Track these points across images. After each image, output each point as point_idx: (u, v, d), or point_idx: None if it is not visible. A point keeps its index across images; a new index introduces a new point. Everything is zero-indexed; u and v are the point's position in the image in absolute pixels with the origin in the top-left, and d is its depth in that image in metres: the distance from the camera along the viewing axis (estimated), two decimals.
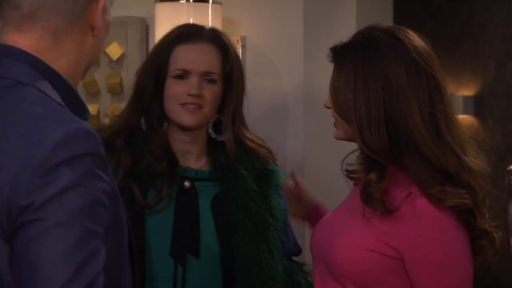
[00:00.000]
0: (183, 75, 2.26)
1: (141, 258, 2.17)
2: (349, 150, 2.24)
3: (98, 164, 1.41)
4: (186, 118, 2.26)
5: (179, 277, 2.21)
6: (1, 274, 1.40)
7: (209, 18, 3.23)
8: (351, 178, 2.07)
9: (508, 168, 5.37)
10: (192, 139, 2.32)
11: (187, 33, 2.30)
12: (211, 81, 2.28)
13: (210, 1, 3.23)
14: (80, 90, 3.67)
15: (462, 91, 5.71)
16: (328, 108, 2.07)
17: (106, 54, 3.62)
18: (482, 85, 5.70)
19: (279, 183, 2.36)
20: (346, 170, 2.05)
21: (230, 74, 2.30)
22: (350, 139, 2.07)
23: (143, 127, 2.29)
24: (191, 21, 3.18)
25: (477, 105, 5.72)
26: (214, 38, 2.30)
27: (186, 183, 2.27)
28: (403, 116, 1.93)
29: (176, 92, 2.26)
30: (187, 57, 2.27)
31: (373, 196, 1.95)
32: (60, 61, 1.51)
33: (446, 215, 1.98)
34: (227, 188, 2.28)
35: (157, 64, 2.28)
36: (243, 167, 2.30)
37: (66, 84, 1.51)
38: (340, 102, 1.98)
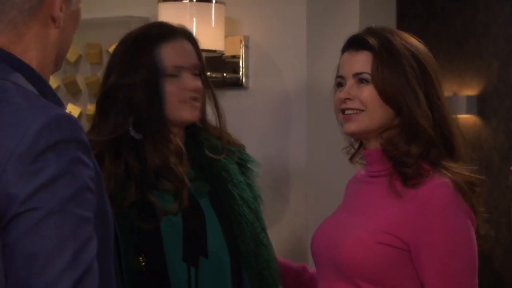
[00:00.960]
0: (177, 72, 2.26)
1: (163, 265, 2.20)
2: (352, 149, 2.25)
3: (82, 150, 1.42)
4: (189, 114, 2.27)
5: (192, 278, 2.23)
6: None
7: (212, 17, 3.23)
8: (390, 154, 2.10)
9: (511, 168, 5.37)
10: (181, 138, 2.31)
11: (165, 31, 2.29)
12: (196, 74, 2.30)
13: (213, 1, 3.23)
14: (83, 90, 3.68)
15: (465, 91, 5.71)
16: (349, 99, 2.09)
17: (109, 54, 3.62)
18: (485, 85, 5.70)
19: (255, 170, 2.41)
20: (385, 146, 2.11)
21: (203, 67, 2.33)
22: (368, 131, 2.10)
23: (135, 136, 2.24)
24: (194, 21, 3.18)
25: (480, 105, 5.72)
26: (187, 34, 2.32)
27: None
28: (439, 99, 2.11)
29: (178, 90, 2.25)
30: (178, 53, 2.27)
31: (409, 164, 2.05)
32: (28, 55, 1.52)
33: (454, 202, 2.01)
34: (219, 183, 2.31)
35: (147, 68, 2.24)
36: (224, 159, 2.34)
37: (39, 78, 1.51)
38: (388, 89, 2.07)
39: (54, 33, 1.55)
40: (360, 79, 2.09)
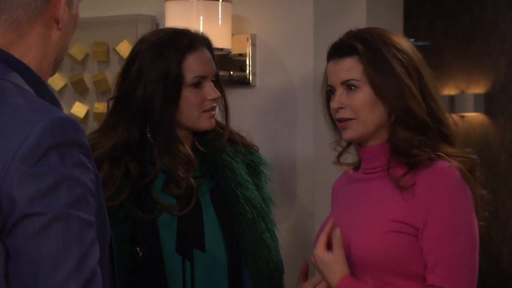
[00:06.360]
0: (198, 82, 2.31)
1: (160, 259, 2.23)
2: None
3: (84, 153, 1.43)
4: (207, 123, 2.33)
5: (187, 272, 2.25)
6: None
7: (219, 16, 3.23)
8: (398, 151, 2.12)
9: None
10: (190, 139, 2.37)
11: (190, 41, 2.33)
12: (214, 81, 2.37)
13: None
14: (91, 88, 3.68)
15: (473, 89, 5.71)
16: (341, 108, 2.12)
17: (116, 52, 3.62)
18: (493, 82, 5.69)
19: (266, 173, 2.46)
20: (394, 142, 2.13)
21: (217, 72, 2.39)
22: (364, 136, 2.12)
23: (150, 139, 2.30)
24: (201, 19, 3.18)
25: (487, 103, 5.72)
26: (206, 41, 2.38)
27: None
28: (430, 93, 2.14)
29: (200, 100, 2.31)
30: (200, 63, 2.32)
31: (416, 154, 2.08)
32: (28, 56, 1.52)
33: (458, 183, 2.06)
34: (223, 182, 2.35)
35: (169, 75, 2.28)
36: (230, 158, 2.37)
37: (38, 79, 1.51)
38: (382, 88, 2.10)
39: (55, 35, 1.55)
40: (349, 86, 2.12)
